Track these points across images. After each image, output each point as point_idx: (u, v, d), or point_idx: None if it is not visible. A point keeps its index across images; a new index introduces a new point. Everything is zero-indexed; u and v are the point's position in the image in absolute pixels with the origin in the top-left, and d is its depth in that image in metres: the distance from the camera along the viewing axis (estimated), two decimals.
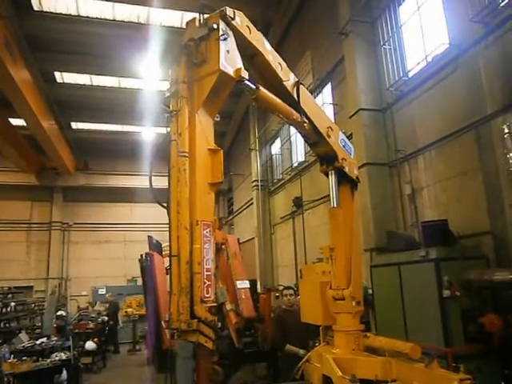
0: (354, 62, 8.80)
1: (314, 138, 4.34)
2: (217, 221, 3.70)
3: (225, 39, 3.26)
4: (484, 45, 6.13)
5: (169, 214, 3.18)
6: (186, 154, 3.18)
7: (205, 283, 2.97)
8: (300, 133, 4.51)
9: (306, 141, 4.60)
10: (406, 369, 3.29)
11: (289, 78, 4.01)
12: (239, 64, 3.36)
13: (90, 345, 11.15)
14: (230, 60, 3.27)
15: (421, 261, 5.77)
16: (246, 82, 3.42)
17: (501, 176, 5.75)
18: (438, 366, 3.15)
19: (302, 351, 5.37)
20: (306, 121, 4.10)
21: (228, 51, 3.27)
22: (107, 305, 15.77)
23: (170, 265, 3.08)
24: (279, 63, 3.90)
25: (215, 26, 3.24)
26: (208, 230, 3.12)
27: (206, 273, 3.00)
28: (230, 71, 3.26)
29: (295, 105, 3.98)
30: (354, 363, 3.61)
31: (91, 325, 12.15)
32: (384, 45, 8.52)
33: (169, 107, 3.34)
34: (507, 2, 5.73)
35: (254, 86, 3.53)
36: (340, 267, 4.14)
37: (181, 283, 2.90)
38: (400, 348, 3.42)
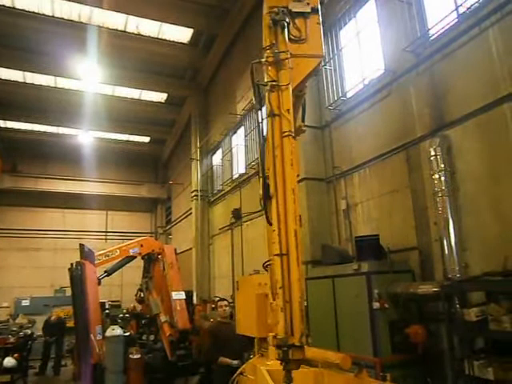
0: None
1: None
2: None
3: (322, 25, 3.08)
4: (415, 73, 6.60)
5: (264, 203, 2.73)
6: (293, 134, 2.78)
7: None
8: None
9: None
10: (337, 379, 3.38)
11: None
12: None
13: (8, 361, 10.26)
14: None
15: (353, 274, 6.00)
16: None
17: (427, 195, 6.17)
18: (367, 376, 3.27)
19: (235, 362, 5.34)
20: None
21: None
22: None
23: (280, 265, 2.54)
24: None
25: (319, 8, 3.04)
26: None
27: None
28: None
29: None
30: None
31: (11, 339, 11.24)
32: (325, 65, 8.87)
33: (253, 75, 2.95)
34: (437, 35, 6.21)
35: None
36: None
37: (301, 288, 2.47)
38: (331, 359, 3.51)
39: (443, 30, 6.12)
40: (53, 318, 13.27)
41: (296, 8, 3.04)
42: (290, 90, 2.85)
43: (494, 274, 4.69)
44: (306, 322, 2.60)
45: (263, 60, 2.97)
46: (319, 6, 3.10)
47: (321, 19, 3.09)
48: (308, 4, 3.08)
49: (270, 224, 2.76)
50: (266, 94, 2.90)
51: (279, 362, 2.67)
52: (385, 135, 7.19)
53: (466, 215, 5.53)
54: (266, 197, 2.77)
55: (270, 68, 2.91)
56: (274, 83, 2.86)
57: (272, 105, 2.81)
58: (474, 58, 5.63)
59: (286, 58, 2.88)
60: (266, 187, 2.78)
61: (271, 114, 2.81)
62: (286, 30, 2.99)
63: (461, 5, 5.84)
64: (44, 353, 12.65)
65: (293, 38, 3.02)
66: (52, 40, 13.33)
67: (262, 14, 3.17)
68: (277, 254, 2.60)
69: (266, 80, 2.93)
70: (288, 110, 2.79)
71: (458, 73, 5.86)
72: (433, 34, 6.36)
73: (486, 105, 5.35)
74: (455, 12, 5.94)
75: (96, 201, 20.54)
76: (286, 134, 2.76)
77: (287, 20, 3.01)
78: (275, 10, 3.03)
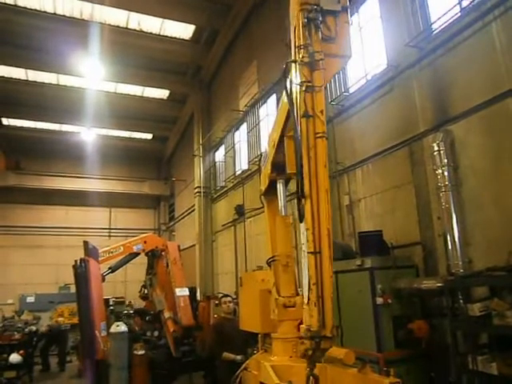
0: None
1: None
2: None
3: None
4: (418, 68, 6.57)
5: (300, 203, 2.75)
6: (326, 135, 2.79)
7: None
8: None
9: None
10: (340, 374, 3.39)
11: None
12: None
13: (14, 357, 10.33)
14: None
15: (356, 269, 5.99)
16: None
17: (430, 190, 6.15)
18: (370, 371, 3.27)
19: (238, 357, 5.36)
20: None
21: None
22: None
23: (315, 264, 2.67)
24: None
25: (348, 7, 2.99)
26: None
27: None
28: None
29: None
30: (291, 370, 3.65)
31: (17, 335, 11.31)
32: None
33: (286, 74, 2.93)
34: (440, 30, 6.17)
35: None
36: (293, 274, 4.19)
37: (331, 285, 2.64)
38: (335, 354, 3.51)
39: (446, 24, 6.07)
40: (43, 328, 12.77)
41: (327, 6, 2.96)
42: (323, 90, 2.82)
43: (498, 269, 4.68)
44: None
45: (299, 60, 2.88)
46: (348, 4, 3.04)
47: (349, 18, 3.05)
48: (339, 2, 3.01)
49: (301, 221, 2.81)
50: (300, 94, 2.86)
51: (303, 352, 2.80)
52: (387, 130, 7.17)
53: (469, 210, 5.52)
54: (300, 195, 2.78)
55: (304, 68, 2.85)
56: (309, 84, 2.81)
57: (307, 106, 2.78)
58: (478, 52, 5.59)
59: (321, 59, 2.84)
60: (300, 186, 2.76)
61: (306, 115, 2.79)
62: (319, 29, 2.92)
63: None
64: (42, 351, 12.68)
65: (324, 37, 2.95)
66: (54, 37, 13.35)
67: (292, 12, 3.07)
68: (310, 252, 2.68)
69: (300, 80, 2.87)
70: (322, 111, 2.78)
71: (461, 67, 5.82)
72: (436, 29, 6.31)
73: (490, 99, 5.32)
74: (458, 6, 5.90)
75: (99, 198, 20.59)
76: (320, 135, 2.75)
77: (320, 18, 2.93)
78: (308, 7, 2.94)
